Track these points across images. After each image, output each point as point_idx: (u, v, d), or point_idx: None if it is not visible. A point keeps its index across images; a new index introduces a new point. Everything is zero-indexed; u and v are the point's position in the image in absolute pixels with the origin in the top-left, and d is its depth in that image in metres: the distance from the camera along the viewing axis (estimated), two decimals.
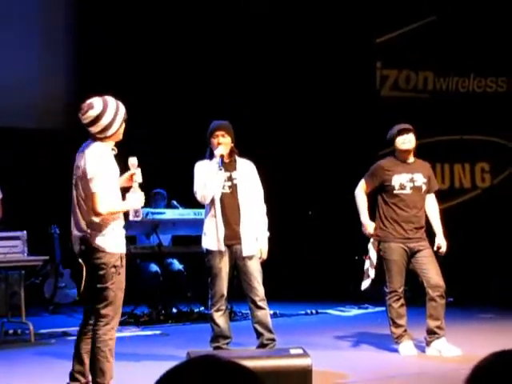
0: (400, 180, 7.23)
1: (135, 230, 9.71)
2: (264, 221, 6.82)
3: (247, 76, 11.76)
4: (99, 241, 5.25)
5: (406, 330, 7.22)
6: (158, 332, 8.71)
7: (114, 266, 5.25)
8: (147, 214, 9.32)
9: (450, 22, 12.28)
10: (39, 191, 10.72)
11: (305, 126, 12.18)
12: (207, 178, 6.61)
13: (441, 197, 8.03)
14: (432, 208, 7.41)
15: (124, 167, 5.60)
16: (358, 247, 8.79)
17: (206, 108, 10.18)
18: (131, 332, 8.68)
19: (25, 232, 8.16)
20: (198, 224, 7.39)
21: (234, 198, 6.72)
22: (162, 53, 11.57)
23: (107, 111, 5.25)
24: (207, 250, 6.74)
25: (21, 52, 11.28)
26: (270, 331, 6.69)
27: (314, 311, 10.34)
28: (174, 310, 9.65)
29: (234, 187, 6.74)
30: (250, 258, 6.69)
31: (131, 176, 5.55)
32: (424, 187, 7.30)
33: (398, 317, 7.21)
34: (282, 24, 12.03)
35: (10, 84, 11.10)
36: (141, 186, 5.56)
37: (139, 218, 5.67)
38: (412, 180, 7.26)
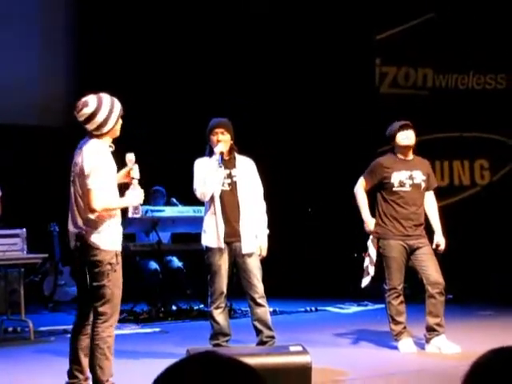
0: (399, 177, 7.23)
1: (134, 228, 9.71)
2: (264, 218, 6.82)
3: (247, 76, 11.75)
4: (94, 238, 5.26)
5: (405, 327, 7.22)
6: (157, 329, 8.72)
7: (110, 264, 5.25)
8: (146, 212, 9.33)
9: (450, 19, 12.28)
10: (39, 189, 10.72)
11: (304, 123, 12.17)
12: (207, 175, 6.61)
13: (440, 194, 8.03)
14: (431, 205, 7.41)
15: (123, 165, 5.61)
16: (357, 244, 8.81)
17: (205, 108, 10.16)
18: (131, 329, 8.68)
19: (24, 230, 8.16)
20: (198, 221, 7.39)
21: (233, 196, 6.72)
22: (162, 52, 11.56)
23: (102, 108, 5.27)
24: (207, 247, 6.74)
25: (21, 52, 11.29)
26: (269, 328, 6.70)
27: (313, 308, 10.34)
28: (174, 308, 9.65)
29: (233, 184, 6.74)
30: (250, 255, 6.69)
31: (128, 172, 5.56)
32: (423, 184, 7.30)
33: (397, 314, 7.21)
34: (281, 21, 12.02)
35: (10, 83, 11.11)
36: (140, 183, 5.56)
37: (138, 215, 5.67)
38: (411, 177, 7.25)
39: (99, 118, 5.26)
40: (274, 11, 12.07)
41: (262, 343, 6.65)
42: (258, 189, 6.85)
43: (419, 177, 7.29)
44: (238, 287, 6.89)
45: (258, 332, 6.70)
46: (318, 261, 11.71)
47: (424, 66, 12.57)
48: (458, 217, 11.05)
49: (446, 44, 12.27)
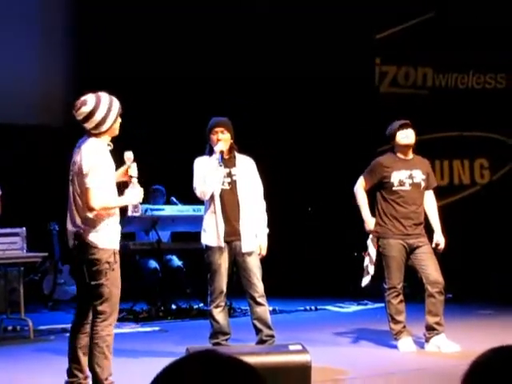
0: (399, 176, 7.23)
1: (134, 227, 9.71)
2: (263, 217, 6.82)
3: (247, 76, 11.75)
4: (92, 237, 5.27)
5: (405, 327, 7.22)
6: (157, 328, 8.72)
7: (108, 262, 5.26)
8: (146, 211, 9.33)
9: (449, 19, 12.28)
10: (38, 188, 10.72)
11: (304, 122, 12.17)
12: (207, 174, 6.61)
13: (440, 193, 8.04)
14: (430, 205, 7.41)
15: (123, 164, 5.61)
16: (357, 244, 8.80)
17: (205, 107, 10.16)
18: (130, 328, 8.68)
19: (24, 228, 8.17)
20: (197, 220, 7.39)
21: (233, 195, 6.72)
22: (162, 52, 11.56)
23: (100, 107, 5.28)
24: (207, 246, 6.75)
25: (21, 52, 11.30)
26: (269, 327, 6.70)
27: (313, 307, 10.34)
28: (173, 307, 9.65)
29: (233, 183, 6.74)
30: (250, 254, 6.69)
31: (126, 170, 5.56)
32: (423, 183, 7.30)
33: (397, 313, 7.21)
34: (281, 20, 12.02)
35: (10, 83, 11.11)
36: (139, 181, 5.56)
37: (138, 214, 5.68)
38: (411, 176, 7.25)
39: (97, 117, 5.27)
40: (274, 11, 12.06)
41: (261, 342, 6.65)
42: (258, 188, 6.85)
43: (419, 176, 7.29)
44: (238, 286, 6.90)
45: (258, 331, 6.70)
46: (317, 260, 11.71)
47: (424, 65, 12.57)
48: (458, 216, 11.05)
49: (446, 43, 12.26)
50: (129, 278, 9.14)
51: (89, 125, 5.29)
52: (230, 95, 11.37)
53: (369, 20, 12.13)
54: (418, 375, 6.32)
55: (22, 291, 8.22)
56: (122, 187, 5.53)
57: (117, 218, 5.40)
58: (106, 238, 5.29)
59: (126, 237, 9.66)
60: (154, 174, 10.10)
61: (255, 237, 6.74)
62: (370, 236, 7.36)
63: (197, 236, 7.20)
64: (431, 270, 7.12)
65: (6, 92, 11.01)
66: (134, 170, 5.55)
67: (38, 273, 10.71)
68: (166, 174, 10.43)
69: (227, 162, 6.74)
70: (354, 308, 10.51)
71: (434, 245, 7.26)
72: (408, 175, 7.25)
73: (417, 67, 12.59)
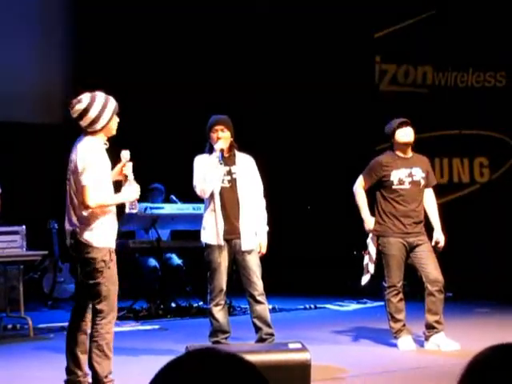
0: (398, 175, 7.23)
1: (134, 225, 9.71)
2: (263, 215, 6.82)
3: (247, 74, 11.74)
4: (87, 235, 5.28)
5: (404, 325, 7.22)
6: (156, 327, 8.72)
7: (103, 261, 5.27)
8: (146, 209, 9.32)
9: (449, 17, 12.27)
10: (38, 186, 10.72)
11: (304, 121, 12.17)
12: (207, 172, 6.61)
13: (439, 191, 8.04)
14: (430, 203, 7.41)
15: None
16: (356, 242, 8.80)
17: (205, 105, 10.15)
18: (130, 327, 8.68)
19: (24, 227, 8.17)
20: (197, 219, 7.39)
21: (233, 193, 6.72)
22: (162, 52, 11.56)
23: (94, 104, 5.31)
24: (206, 244, 6.74)
25: (21, 52, 11.31)
26: (268, 326, 6.70)
27: (312, 306, 10.34)
28: (173, 305, 9.65)
29: (233, 181, 6.74)
30: (250, 252, 6.69)
31: (122, 169, 5.58)
32: (422, 182, 7.30)
33: (396, 311, 7.21)
34: (281, 19, 12.01)
35: (10, 82, 11.12)
36: (137, 180, 5.57)
37: (135, 210, 5.70)
38: (410, 175, 7.25)
39: (91, 114, 5.29)
40: (273, 10, 12.06)
41: (261, 340, 6.65)
42: (258, 186, 6.85)
43: (418, 174, 7.28)
44: (238, 284, 6.90)
45: (258, 329, 6.70)
46: (317, 258, 11.70)
47: (423, 63, 12.57)
48: (458, 214, 11.05)
49: (446, 42, 12.26)
50: (128, 276, 9.18)
51: (83, 122, 5.32)
52: (230, 94, 11.36)
53: (369, 18, 12.12)
54: (418, 373, 6.32)
55: (22, 289, 8.23)
56: (119, 186, 5.55)
57: (112, 216, 5.40)
58: (101, 236, 5.30)
59: (125, 235, 9.68)
60: (154, 173, 10.10)
61: (255, 235, 6.74)
62: (370, 234, 7.36)
63: (196, 234, 7.20)
64: (431, 269, 7.12)
65: (6, 92, 11.01)
66: (129, 169, 5.56)
67: (38, 271, 10.70)
68: (166, 173, 10.42)
69: (227, 160, 6.74)
70: (353, 306, 10.51)
71: (433, 243, 7.26)
72: (407, 173, 7.24)
73: (416, 65, 12.59)
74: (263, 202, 6.86)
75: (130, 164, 5.59)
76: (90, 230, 5.28)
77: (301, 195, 12.32)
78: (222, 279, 6.67)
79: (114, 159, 5.61)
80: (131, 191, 5.50)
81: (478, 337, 7.16)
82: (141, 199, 5.67)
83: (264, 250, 6.77)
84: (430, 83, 12.62)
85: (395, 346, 7.19)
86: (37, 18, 11.68)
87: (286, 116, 12.15)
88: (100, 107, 5.31)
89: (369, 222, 7.30)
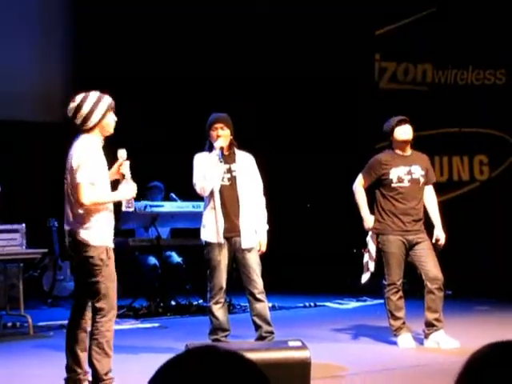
0: (398, 173, 7.22)
1: (134, 223, 9.72)
2: (263, 213, 6.82)
3: (246, 72, 11.74)
4: (83, 234, 5.29)
5: (404, 323, 7.22)
6: (156, 325, 8.72)
7: (101, 259, 5.28)
8: (146, 207, 9.32)
9: (449, 15, 12.27)
10: (38, 184, 10.72)
11: (303, 118, 12.17)
12: (207, 170, 6.61)
13: (439, 189, 8.03)
14: (430, 200, 7.41)
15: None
16: (356, 240, 8.80)
17: (205, 103, 10.15)
18: (130, 325, 8.68)
19: (23, 225, 8.17)
20: (197, 217, 7.40)
21: (233, 191, 6.72)
22: (161, 51, 11.55)
23: (86, 102, 5.34)
24: (206, 242, 6.74)
25: (21, 52, 11.31)
26: (268, 324, 6.70)
27: (312, 304, 10.35)
28: (173, 303, 9.66)
29: (233, 179, 6.74)
30: (249, 250, 6.69)
31: (119, 168, 5.58)
32: (422, 179, 7.30)
33: (396, 309, 7.21)
34: (281, 17, 12.01)
35: (10, 83, 11.12)
36: (136, 178, 5.58)
37: (131, 209, 5.71)
38: (410, 172, 7.25)
39: (83, 112, 5.32)
40: (274, 9, 12.05)
41: (261, 338, 6.65)
42: (258, 184, 6.85)
43: (418, 172, 7.28)
44: (238, 282, 6.90)
45: (257, 327, 6.71)
46: (317, 256, 11.70)
47: (423, 61, 12.56)
48: (457, 212, 11.05)
49: (446, 39, 12.26)
50: (128, 274, 9.18)
51: (77, 121, 5.36)
52: (230, 94, 11.36)
53: (369, 16, 12.12)
54: (418, 371, 6.32)
55: (22, 287, 8.23)
56: (116, 185, 5.56)
57: (109, 214, 5.40)
58: (98, 235, 5.31)
59: (125, 233, 9.69)
60: (154, 171, 10.10)
61: (255, 233, 6.74)
62: (370, 232, 7.36)
63: (196, 232, 7.19)
64: (430, 267, 7.12)
65: (6, 92, 11.01)
66: (126, 168, 5.57)
67: (38, 269, 10.71)
68: (166, 171, 10.42)
69: (227, 158, 6.74)
70: (353, 304, 10.52)
71: (434, 240, 7.26)
72: (407, 171, 7.24)
73: (416, 63, 12.58)
74: (263, 200, 6.86)
75: (127, 162, 5.60)
76: (87, 228, 5.29)
77: (300, 193, 12.32)
78: (222, 277, 6.67)
79: (116, 158, 5.62)
80: (127, 189, 5.51)
81: (478, 335, 7.15)
82: (140, 197, 5.69)
83: (264, 248, 6.77)
84: (429, 81, 12.62)
85: (395, 343, 7.19)
86: (37, 17, 11.69)
87: (285, 114, 12.15)
88: (92, 104, 5.34)
89: (368, 220, 7.30)
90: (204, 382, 1.34)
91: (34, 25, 11.62)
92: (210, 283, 6.74)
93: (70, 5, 11.88)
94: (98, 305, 5.30)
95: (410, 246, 7.21)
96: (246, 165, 6.81)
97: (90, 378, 5.41)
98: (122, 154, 5.62)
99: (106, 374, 5.29)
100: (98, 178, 5.28)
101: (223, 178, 6.71)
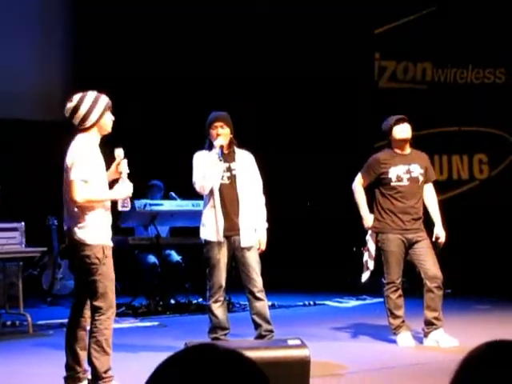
0: (397, 172, 7.22)
1: (133, 222, 9.72)
2: (263, 212, 6.82)
3: (246, 71, 11.73)
4: (79, 233, 5.30)
5: (403, 321, 7.22)
6: (156, 323, 8.72)
7: (97, 258, 5.29)
8: (145, 206, 9.32)
9: (449, 13, 12.27)
10: (37, 183, 10.72)
11: (303, 117, 12.17)
12: (206, 168, 6.61)
13: (439, 188, 8.03)
14: (430, 198, 7.41)
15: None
16: (356, 238, 8.80)
17: (205, 102, 10.15)
18: (129, 323, 8.68)
19: (23, 223, 8.16)
20: (196, 215, 7.39)
21: (232, 189, 6.72)
22: (161, 51, 11.55)
23: (84, 101, 5.36)
24: (206, 240, 6.74)
25: (21, 52, 11.32)
26: (268, 322, 6.70)
27: (312, 302, 10.35)
28: (172, 302, 9.66)
29: (232, 178, 6.74)
30: (249, 248, 6.69)
31: (117, 167, 5.59)
32: (421, 178, 7.29)
33: (395, 308, 7.21)
34: (280, 17, 12.00)
35: (10, 83, 11.13)
36: (138, 176, 5.58)
37: (127, 208, 5.72)
38: (409, 171, 7.25)
39: (81, 112, 5.33)
40: (274, 8, 12.05)
41: (260, 337, 6.66)
42: (258, 182, 6.85)
43: (417, 170, 7.28)
44: (237, 281, 6.90)
45: (257, 326, 6.71)
46: (316, 255, 11.71)
47: (423, 60, 12.56)
48: (457, 211, 11.05)
49: (445, 38, 12.26)
50: (128, 272, 9.18)
51: (75, 121, 5.37)
52: (230, 93, 11.35)
53: (368, 15, 12.12)
54: (417, 370, 6.32)
55: (21, 286, 8.23)
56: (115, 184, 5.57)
57: (105, 213, 5.40)
58: (94, 234, 5.31)
59: (124, 232, 9.69)
60: (153, 169, 10.10)
61: (254, 231, 6.74)
62: (369, 231, 7.36)
63: (196, 231, 7.20)
64: (430, 265, 7.12)
65: (6, 92, 11.02)
66: (124, 167, 5.57)
67: (37, 267, 10.71)
68: (165, 169, 10.42)
69: (227, 156, 6.74)
70: (352, 303, 10.52)
71: (434, 238, 7.26)
72: (406, 170, 7.24)
73: (416, 62, 12.58)
74: (263, 199, 6.86)
75: (125, 161, 5.60)
76: (83, 227, 5.31)
77: (300, 192, 12.32)
78: (222, 276, 6.67)
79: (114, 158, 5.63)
80: (123, 189, 5.51)
81: (477, 333, 7.15)
82: (140, 196, 5.68)
83: (263, 247, 6.77)
84: (429, 80, 12.62)
85: (394, 342, 7.19)
86: (37, 18, 11.69)
87: (285, 114, 12.14)
88: (90, 103, 5.35)
89: (368, 219, 7.30)
90: (203, 380, 1.34)
91: (34, 25, 11.62)
92: (209, 282, 6.74)
93: (69, 5, 11.89)
94: (96, 303, 5.31)
95: (409, 245, 7.21)
96: (245, 163, 6.81)
97: (90, 377, 5.42)
98: (119, 152, 5.63)
99: (105, 372, 5.29)
100: (92, 176, 5.29)
101: (223, 176, 6.70)
